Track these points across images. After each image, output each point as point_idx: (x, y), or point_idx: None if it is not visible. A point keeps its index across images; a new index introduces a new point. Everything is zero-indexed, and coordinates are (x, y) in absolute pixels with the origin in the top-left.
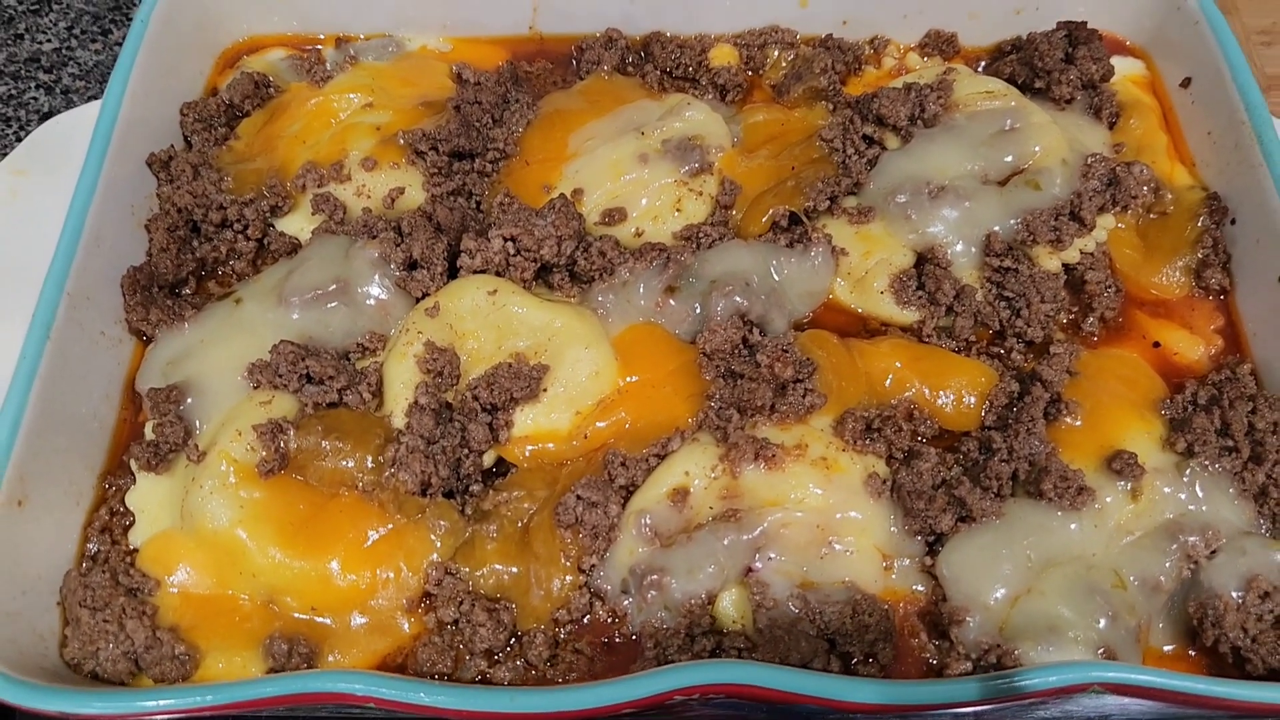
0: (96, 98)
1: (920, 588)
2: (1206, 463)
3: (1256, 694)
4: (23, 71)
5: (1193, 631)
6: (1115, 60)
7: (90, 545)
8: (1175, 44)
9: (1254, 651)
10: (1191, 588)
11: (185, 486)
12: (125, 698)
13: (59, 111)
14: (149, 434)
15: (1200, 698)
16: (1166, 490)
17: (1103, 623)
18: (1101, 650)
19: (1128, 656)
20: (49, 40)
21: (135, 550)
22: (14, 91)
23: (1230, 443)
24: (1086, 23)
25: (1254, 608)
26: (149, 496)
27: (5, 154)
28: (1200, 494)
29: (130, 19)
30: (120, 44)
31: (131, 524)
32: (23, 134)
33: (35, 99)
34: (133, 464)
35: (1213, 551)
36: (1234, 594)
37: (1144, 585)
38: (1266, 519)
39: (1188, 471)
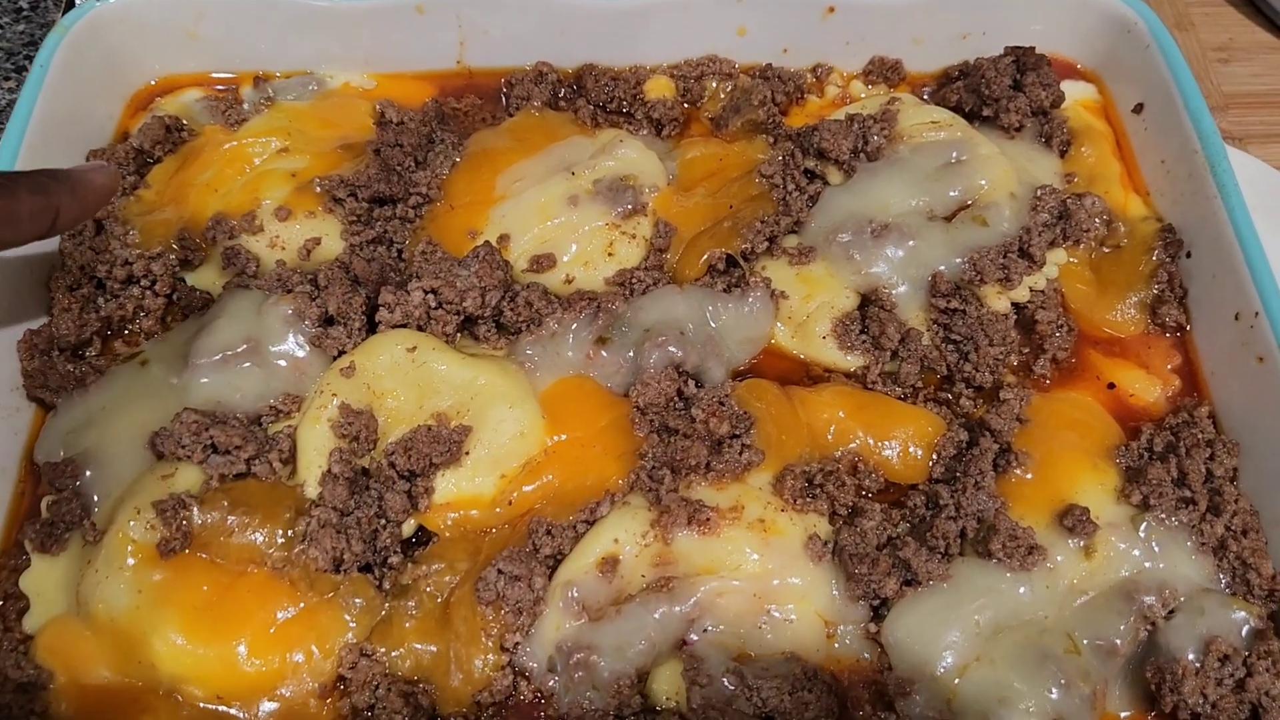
0: None
1: (866, 655)
2: (1163, 516)
3: None
4: None
5: (1151, 695)
6: (1066, 84)
7: None
8: (1127, 67)
9: (1214, 718)
10: (1149, 650)
11: (81, 569)
12: None
13: None
14: (44, 512)
15: None
16: (1121, 546)
17: (1055, 692)
18: None
19: None
20: None
21: (30, 637)
22: None
23: (1188, 493)
24: (1035, 48)
25: (1214, 672)
26: (45, 579)
27: None
28: (1156, 550)
29: None
30: None
31: (26, 608)
32: None
33: None
34: (27, 545)
35: (1170, 611)
36: (1192, 656)
37: (1099, 650)
38: (1226, 573)
39: (1144, 526)
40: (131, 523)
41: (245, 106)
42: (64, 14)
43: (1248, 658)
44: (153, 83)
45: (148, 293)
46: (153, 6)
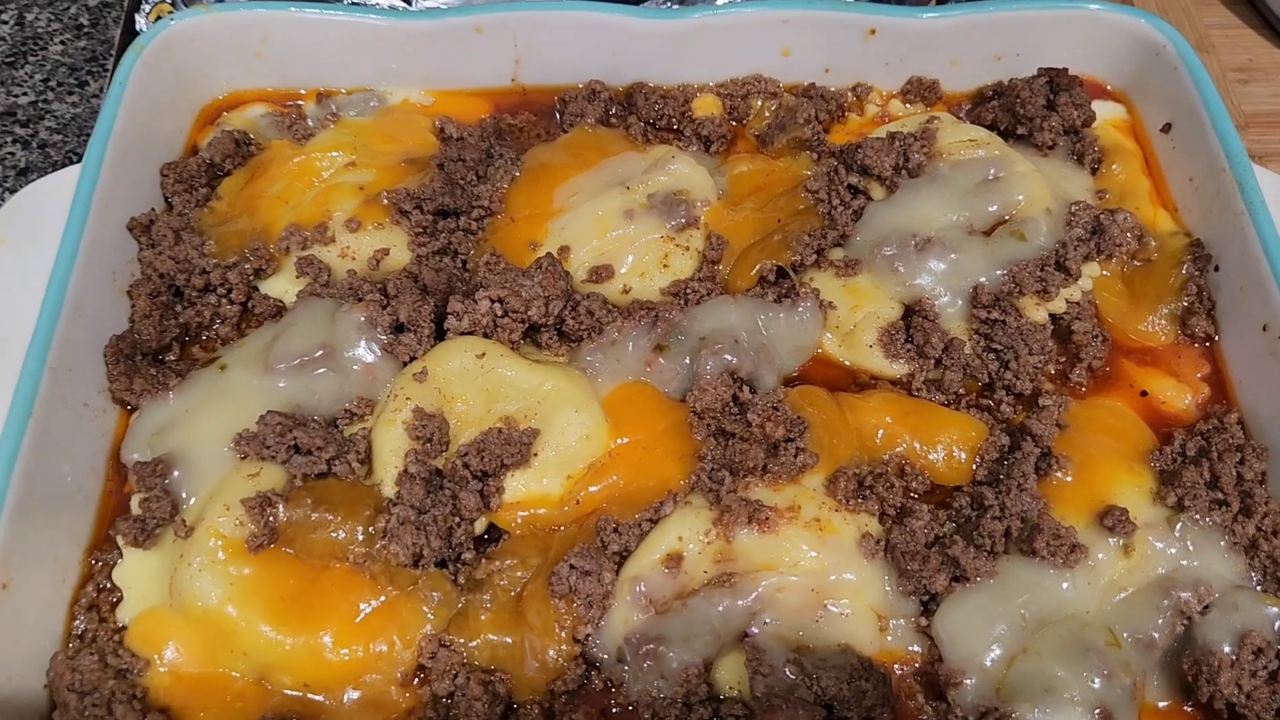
0: (74, 151)
1: (917, 648)
2: (1197, 516)
3: None
4: None
5: (1188, 687)
6: (1096, 104)
7: (77, 623)
8: (1155, 89)
9: (1249, 708)
10: (1185, 643)
11: (173, 563)
12: None
13: (36, 167)
14: (135, 509)
15: None
16: (1158, 545)
17: (1098, 682)
18: (1098, 710)
19: (1123, 715)
20: (25, 94)
21: (124, 628)
22: None
23: (1220, 495)
24: (1067, 69)
25: (1248, 664)
26: (136, 572)
27: None
28: (1191, 548)
29: (107, 70)
30: (98, 96)
31: (119, 600)
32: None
33: (12, 154)
34: (119, 540)
35: (1205, 607)
36: (1227, 649)
37: (1138, 642)
38: (1258, 571)
39: (1179, 526)
40: (221, 519)
41: (309, 122)
42: (121, 31)
43: None
44: (220, 98)
45: (223, 300)
46: (222, 25)
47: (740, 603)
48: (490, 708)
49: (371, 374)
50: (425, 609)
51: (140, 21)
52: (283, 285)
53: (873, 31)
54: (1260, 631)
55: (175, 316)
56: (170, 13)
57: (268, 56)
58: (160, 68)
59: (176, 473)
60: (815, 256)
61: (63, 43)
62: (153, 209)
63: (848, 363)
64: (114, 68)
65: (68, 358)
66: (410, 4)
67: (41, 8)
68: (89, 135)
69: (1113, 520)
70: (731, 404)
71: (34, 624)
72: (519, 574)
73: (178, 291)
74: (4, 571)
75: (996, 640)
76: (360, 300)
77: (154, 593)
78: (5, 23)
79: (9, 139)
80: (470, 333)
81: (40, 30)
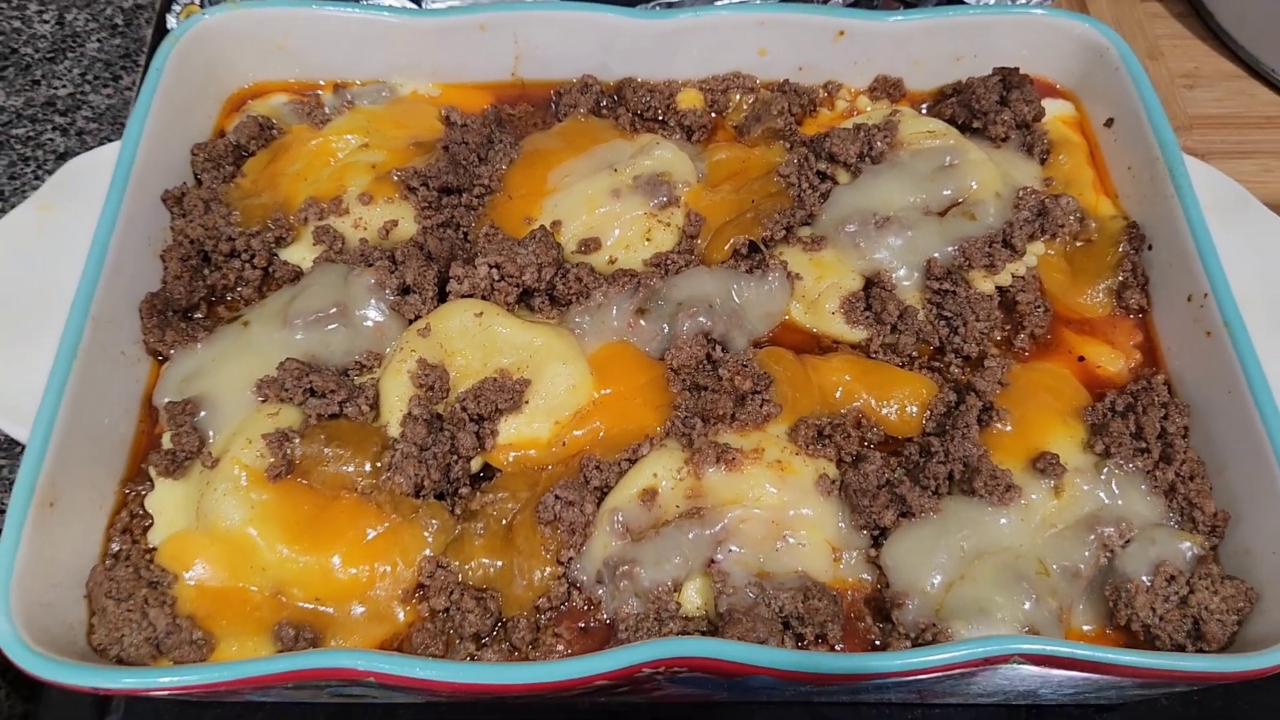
0: (109, 138)
1: (866, 576)
2: (1122, 462)
3: (1157, 662)
4: (40, 115)
5: (1109, 613)
6: (1046, 102)
7: (113, 544)
8: (1100, 88)
9: (1161, 628)
10: (1108, 573)
11: (200, 490)
12: (151, 674)
13: (74, 152)
14: (166, 443)
15: (1110, 665)
16: (1086, 487)
17: (1027, 605)
18: (1026, 629)
19: (1050, 634)
20: (64, 86)
21: (154, 549)
22: (32, 134)
23: (1143, 445)
24: (1019, 69)
25: (1162, 590)
26: (166, 500)
27: (26, 191)
28: (1116, 490)
29: (140, 66)
30: (130, 89)
31: (150, 525)
32: (41, 172)
33: (51, 140)
34: (151, 470)
35: (1126, 541)
36: (1144, 578)
37: (1065, 572)
38: (1175, 512)
39: (1105, 470)
40: (244, 451)
41: (326, 109)
42: (153, 30)
43: (1191, 578)
44: (246, 87)
45: (247, 265)
46: (249, 21)
47: (708, 532)
48: (482, 620)
49: (380, 330)
50: (425, 534)
51: (171, 21)
52: (301, 252)
53: (842, 33)
54: (1174, 562)
55: (203, 278)
56: (199, 12)
57: (289, 50)
58: (192, 58)
59: (203, 413)
60: (785, 233)
61: (99, 40)
62: (184, 183)
63: (812, 328)
64: (147, 63)
65: (107, 311)
66: (419, 3)
67: (80, 8)
68: (122, 124)
69: (1044, 464)
70: (705, 362)
71: (75, 543)
72: (509, 505)
73: (206, 256)
74: (51, 491)
75: (938, 568)
76: (371, 265)
77: (181, 518)
78: (46, 21)
79: (49, 126)
80: (470, 295)
81: (79, 29)
